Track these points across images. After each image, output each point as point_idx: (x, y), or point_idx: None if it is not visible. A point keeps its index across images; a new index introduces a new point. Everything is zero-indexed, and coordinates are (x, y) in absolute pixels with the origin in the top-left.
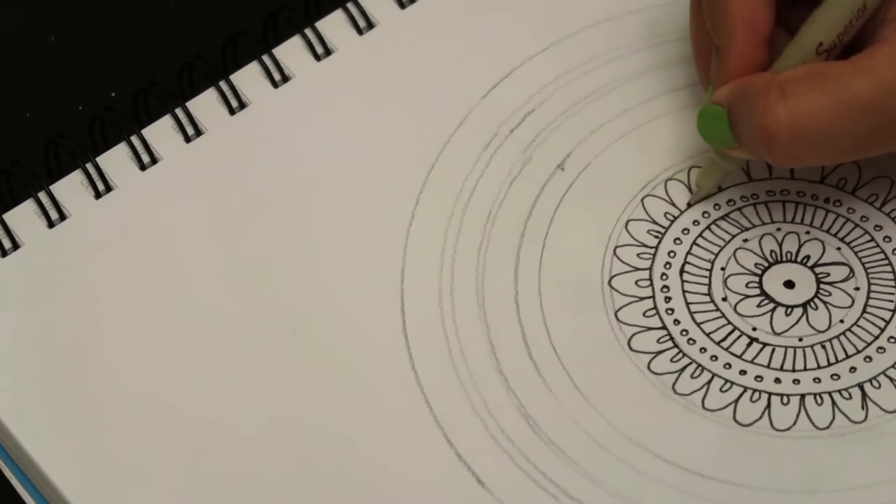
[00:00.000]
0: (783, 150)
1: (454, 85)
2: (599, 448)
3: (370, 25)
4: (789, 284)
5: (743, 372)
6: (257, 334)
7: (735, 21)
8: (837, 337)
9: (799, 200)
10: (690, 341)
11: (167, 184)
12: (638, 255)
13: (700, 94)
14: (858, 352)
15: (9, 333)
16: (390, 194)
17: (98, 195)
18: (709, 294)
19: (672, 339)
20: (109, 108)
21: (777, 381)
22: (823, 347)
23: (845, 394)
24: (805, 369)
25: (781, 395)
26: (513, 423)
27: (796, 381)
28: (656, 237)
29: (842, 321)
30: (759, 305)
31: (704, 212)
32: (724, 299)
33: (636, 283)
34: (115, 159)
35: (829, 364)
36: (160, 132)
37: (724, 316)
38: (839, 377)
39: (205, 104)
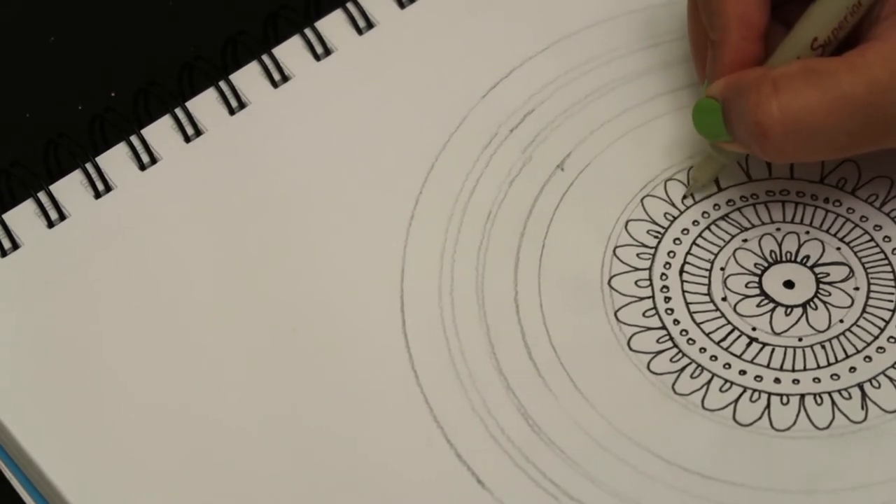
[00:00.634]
0: (775, 145)
1: (454, 85)
2: (599, 448)
3: (370, 25)
4: (789, 284)
5: (743, 372)
6: (257, 334)
7: (730, 16)
8: (837, 337)
9: (799, 200)
10: (690, 341)
11: (167, 184)
12: (637, 255)
13: (700, 95)
14: (858, 352)
15: (9, 333)
16: (390, 194)
17: (98, 195)
18: (708, 294)
19: (672, 339)
20: (109, 108)
21: (777, 381)
22: (823, 347)
23: (845, 394)
24: (805, 369)
25: (781, 395)
26: (513, 423)
27: (796, 381)
28: (656, 237)
29: (841, 321)
30: (758, 305)
31: (704, 212)
32: (724, 299)
33: (636, 283)
34: (115, 159)
35: (829, 364)
36: (160, 132)
37: (723, 316)
38: (839, 377)
39: (205, 104)
